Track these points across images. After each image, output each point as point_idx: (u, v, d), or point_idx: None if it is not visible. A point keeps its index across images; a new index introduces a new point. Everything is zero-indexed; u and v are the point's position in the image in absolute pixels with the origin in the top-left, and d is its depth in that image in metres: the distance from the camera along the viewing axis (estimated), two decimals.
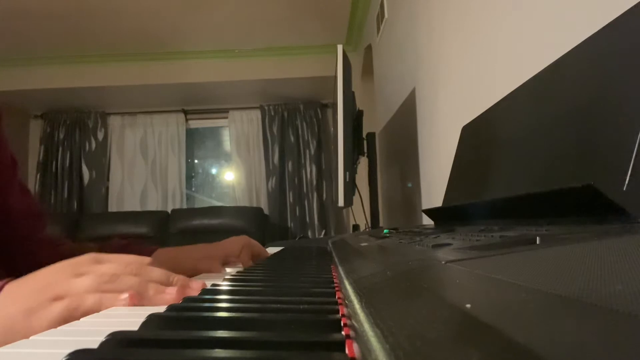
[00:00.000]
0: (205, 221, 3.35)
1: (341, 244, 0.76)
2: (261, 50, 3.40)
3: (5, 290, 0.38)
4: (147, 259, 0.43)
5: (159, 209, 3.70)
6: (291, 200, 3.67)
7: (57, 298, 0.36)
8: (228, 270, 0.66)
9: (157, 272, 0.42)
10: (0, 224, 0.65)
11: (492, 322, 0.12)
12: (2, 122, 0.67)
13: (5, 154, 0.67)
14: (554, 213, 0.39)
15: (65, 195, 3.67)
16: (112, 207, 3.74)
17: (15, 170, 0.69)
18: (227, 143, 3.98)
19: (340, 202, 1.46)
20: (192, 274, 0.57)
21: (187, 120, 3.92)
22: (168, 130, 3.86)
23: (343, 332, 0.22)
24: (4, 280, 0.39)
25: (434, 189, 1.49)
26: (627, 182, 0.32)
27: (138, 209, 3.72)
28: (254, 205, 3.71)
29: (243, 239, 0.76)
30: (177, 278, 0.42)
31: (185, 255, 0.70)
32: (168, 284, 0.41)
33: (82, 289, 0.37)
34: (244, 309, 0.30)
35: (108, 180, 3.79)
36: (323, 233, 3.55)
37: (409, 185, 1.85)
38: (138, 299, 0.37)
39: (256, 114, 3.84)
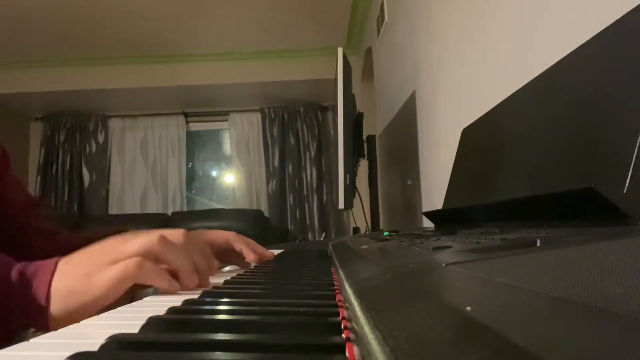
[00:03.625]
0: (206, 224, 3.35)
1: (341, 247, 0.76)
2: (262, 53, 3.40)
3: (60, 264, 0.41)
4: (194, 237, 0.46)
5: (159, 211, 3.70)
6: (291, 202, 3.67)
7: (114, 262, 0.40)
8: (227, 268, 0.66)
9: (198, 251, 0.46)
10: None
11: (492, 324, 0.12)
12: None
13: None
14: (555, 215, 0.39)
15: (66, 197, 3.67)
16: (113, 210, 3.74)
17: (7, 162, 0.69)
18: (228, 145, 3.98)
19: (341, 205, 1.46)
20: None
21: (187, 122, 3.92)
22: (168, 133, 3.87)
23: (343, 335, 0.22)
24: (55, 258, 0.42)
25: (434, 191, 1.49)
26: (627, 184, 0.32)
27: (138, 211, 3.72)
28: (254, 207, 3.71)
29: (231, 232, 0.73)
30: (211, 263, 0.47)
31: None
32: (206, 268, 0.45)
33: (134, 251, 0.40)
34: (244, 311, 0.30)
35: (108, 182, 3.79)
36: (323, 235, 3.55)
37: (409, 182, 1.85)
38: (175, 286, 0.41)
39: (256, 117, 3.85)
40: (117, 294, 0.40)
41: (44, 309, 0.38)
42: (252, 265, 0.72)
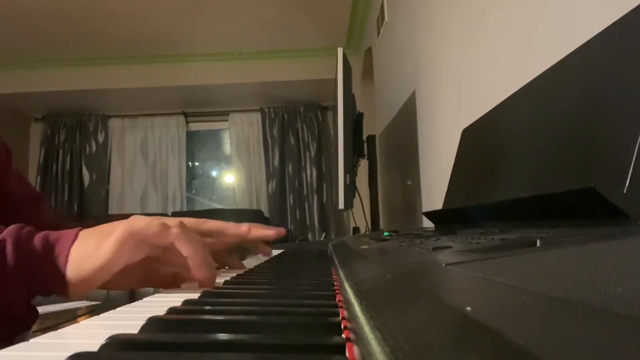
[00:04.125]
0: None
1: (341, 247, 0.76)
2: (261, 53, 3.41)
3: (82, 233, 0.43)
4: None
5: (159, 211, 3.70)
6: (291, 202, 3.67)
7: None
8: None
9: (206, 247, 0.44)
10: (2, 208, 0.66)
11: (492, 324, 0.12)
12: None
13: None
14: (555, 215, 0.39)
15: (66, 197, 3.68)
16: (113, 210, 3.74)
17: (9, 158, 0.69)
18: (228, 145, 3.98)
19: (341, 205, 1.46)
20: None
21: (187, 122, 3.92)
22: (168, 133, 3.87)
23: (343, 335, 0.22)
24: (78, 228, 0.44)
25: (434, 191, 1.49)
26: (627, 184, 0.32)
27: (138, 211, 3.72)
28: (254, 207, 3.71)
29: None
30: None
31: None
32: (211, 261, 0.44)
33: (144, 219, 0.41)
34: (244, 311, 0.30)
35: (108, 182, 3.79)
36: (323, 235, 3.55)
37: (409, 182, 1.85)
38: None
39: (256, 117, 3.85)
40: (125, 255, 0.40)
41: (63, 275, 0.40)
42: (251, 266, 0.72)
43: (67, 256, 0.40)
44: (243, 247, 0.71)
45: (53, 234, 0.42)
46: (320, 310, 0.29)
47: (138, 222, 0.41)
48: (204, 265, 0.42)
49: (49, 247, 0.41)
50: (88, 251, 0.41)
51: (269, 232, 0.63)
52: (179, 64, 3.42)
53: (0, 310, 0.40)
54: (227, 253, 0.68)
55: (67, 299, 0.41)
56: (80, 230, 0.43)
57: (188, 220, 0.64)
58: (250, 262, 0.77)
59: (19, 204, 0.69)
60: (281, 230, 0.67)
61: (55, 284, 0.40)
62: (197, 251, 0.42)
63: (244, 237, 0.63)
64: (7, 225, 0.43)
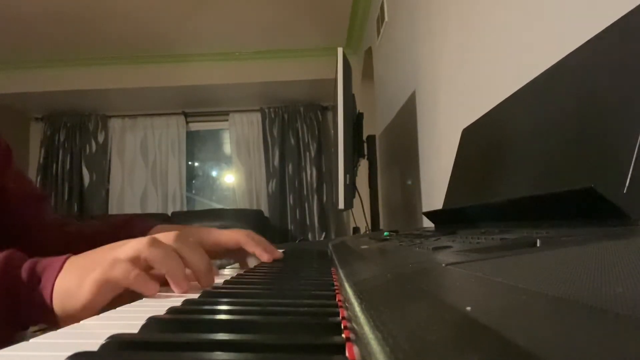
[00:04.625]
0: (206, 223, 3.35)
1: (341, 247, 0.76)
2: (261, 53, 3.41)
3: (67, 263, 0.42)
4: (186, 236, 0.46)
5: (159, 211, 3.70)
6: (291, 202, 3.67)
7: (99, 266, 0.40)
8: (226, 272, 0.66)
9: (193, 255, 0.45)
10: (1, 208, 0.66)
11: (492, 324, 0.12)
12: None
13: None
14: (555, 215, 0.39)
15: (66, 197, 3.67)
16: (113, 210, 3.74)
17: (10, 157, 0.69)
18: (228, 145, 3.98)
19: (341, 205, 1.46)
20: None
21: (187, 122, 3.92)
22: (168, 133, 3.87)
23: (343, 335, 0.22)
24: (67, 255, 0.43)
25: (434, 191, 1.49)
26: (627, 184, 0.32)
27: (138, 211, 3.72)
28: (254, 207, 3.71)
29: (243, 233, 0.72)
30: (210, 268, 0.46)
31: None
32: (204, 272, 0.45)
33: (123, 256, 0.40)
34: (244, 311, 0.30)
35: (108, 182, 3.79)
36: (323, 235, 3.55)
37: (409, 182, 1.85)
38: (152, 290, 0.40)
39: (256, 117, 3.85)
40: (103, 298, 0.40)
41: (49, 308, 0.40)
42: (252, 265, 0.72)
43: (52, 288, 0.40)
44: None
45: (41, 263, 0.42)
46: (321, 310, 0.29)
47: (116, 271, 0.39)
48: (182, 281, 0.42)
49: (35, 278, 0.41)
50: (69, 287, 0.40)
51: (263, 256, 0.69)
52: (179, 64, 3.42)
53: None
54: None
55: (58, 327, 0.41)
56: (67, 258, 0.43)
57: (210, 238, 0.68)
58: (251, 262, 0.77)
59: (19, 203, 0.70)
60: (277, 255, 0.72)
61: (42, 314, 0.40)
62: (172, 267, 0.42)
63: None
64: (9, 224, 0.43)
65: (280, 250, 0.74)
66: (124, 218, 0.76)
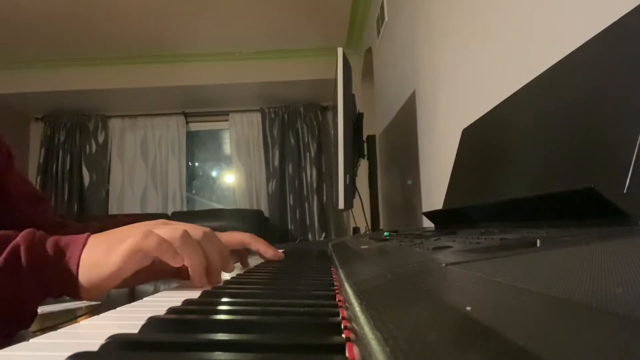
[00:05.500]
0: (206, 224, 3.32)
1: (341, 247, 0.76)
2: (261, 53, 3.41)
3: (91, 239, 0.45)
4: (216, 237, 0.49)
5: (159, 211, 3.70)
6: (291, 202, 3.67)
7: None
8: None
9: (216, 255, 0.47)
10: (2, 210, 0.67)
11: (492, 324, 0.12)
12: None
13: (0, 146, 0.70)
14: (555, 216, 0.39)
15: (66, 197, 3.67)
16: (113, 210, 3.74)
17: (11, 160, 0.71)
18: (228, 146, 3.98)
19: (341, 205, 1.46)
20: None
21: (187, 122, 3.92)
22: (168, 133, 3.87)
23: (343, 335, 0.22)
24: (87, 234, 0.45)
25: (434, 191, 1.49)
26: (627, 184, 0.32)
27: (138, 211, 3.72)
28: (254, 208, 3.71)
29: (246, 234, 0.76)
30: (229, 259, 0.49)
31: None
32: (223, 262, 0.48)
33: (157, 236, 0.43)
34: (244, 311, 0.30)
35: (108, 182, 3.79)
36: (323, 236, 3.55)
37: (409, 182, 1.85)
38: (179, 262, 0.43)
39: (256, 117, 3.85)
40: (132, 266, 0.42)
41: (75, 278, 0.42)
42: (252, 265, 0.72)
43: (79, 261, 0.42)
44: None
45: (64, 239, 0.44)
46: (321, 310, 0.29)
47: (149, 240, 0.42)
48: (202, 276, 0.45)
49: (60, 252, 0.43)
50: (98, 258, 0.43)
51: (268, 252, 0.72)
52: (179, 64, 3.42)
53: (15, 309, 0.42)
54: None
55: (80, 300, 0.44)
56: (90, 235, 0.45)
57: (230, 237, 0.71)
58: (251, 262, 0.77)
59: (20, 205, 0.70)
60: (278, 256, 0.75)
61: (67, 286, 0.42)
62: (197, 263, 0.45)
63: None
64: (9, 227, 0.44)
65: (281, 251, 0.76)
66: (124, 220, 0.76)
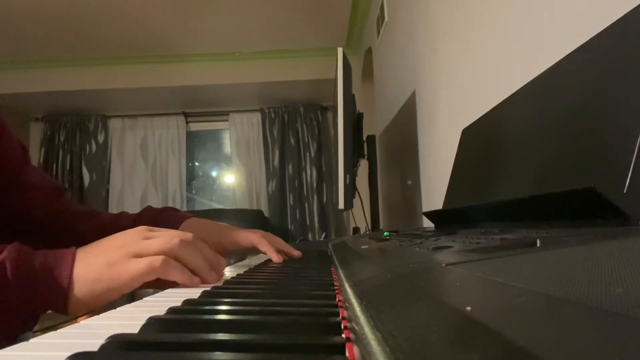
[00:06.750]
0: None
1: (341, 247, 0.76)
2: (261, 53, 3.40)
3: (80, 253, 0.45)
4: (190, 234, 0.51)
5: None
6: (291, 202, 3.67)
7: (136, 256, 0.44)
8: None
9: (208, 250, 0.50)
10: (24, 202, 0.69)
11: (492, 324, 0.12)
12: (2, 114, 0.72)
13: (12, 141, 0.74)
14: (555, 216, 0.39)
15: None
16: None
17: (26, 154, 0.74)
18: (228, 146, 3.98)
19: (341, 205, 1.46)
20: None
21: (187, 122, 3.92)
22: (168, 133, 3.86)
23: (343, 335, 0.22)
24: (72, 248, 0.46)
25: (434, 191, 1.49)
26: (627, 184, 0.32)
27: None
28: (254, 207, 3.71)
29: (259, 233, 0.77)
30: (220, 260, 0.52)
31: (208, 235, 0.73)
32: (214, 265, 0.50)
33: (157, 249, 0.45)
34: (244, 311, 0.30)
35: (108, 183, 3.79)
36: (323, 236, 3.55)
37: (409, 182, 1.85)
38: (195, 281, 0.46)
39: (256, 117, 3.85)
40: (139, 284, 0.44)
41: (65, 293, 0.43)
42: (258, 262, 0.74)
43: (70, 276, 0.43)
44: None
45: (50, 255, 0.45)
46: (321, 310, 0.29)
47: (169, 268, 0.44)
48: (210, 274, 0.49)
49: (48, 267, 0.43)
50: (98, 272, 0.44)
51: (274, 257, 0.74)
52: (179, 64, 3.42)
53: (2, 321, 0.42)
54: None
55: (66, 315, 0.45)
56: (76, 250, 0.46)
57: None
58: (251, 262, 0.77)
59: (41, 197, 0.72)
60: (294, 254, 0.77)
61: (55, 302, 0.43)
62: (201, 262, 0.48)
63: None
64: (33, 218, 0.46)
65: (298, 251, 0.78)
66: (155, 210, 0.80)
